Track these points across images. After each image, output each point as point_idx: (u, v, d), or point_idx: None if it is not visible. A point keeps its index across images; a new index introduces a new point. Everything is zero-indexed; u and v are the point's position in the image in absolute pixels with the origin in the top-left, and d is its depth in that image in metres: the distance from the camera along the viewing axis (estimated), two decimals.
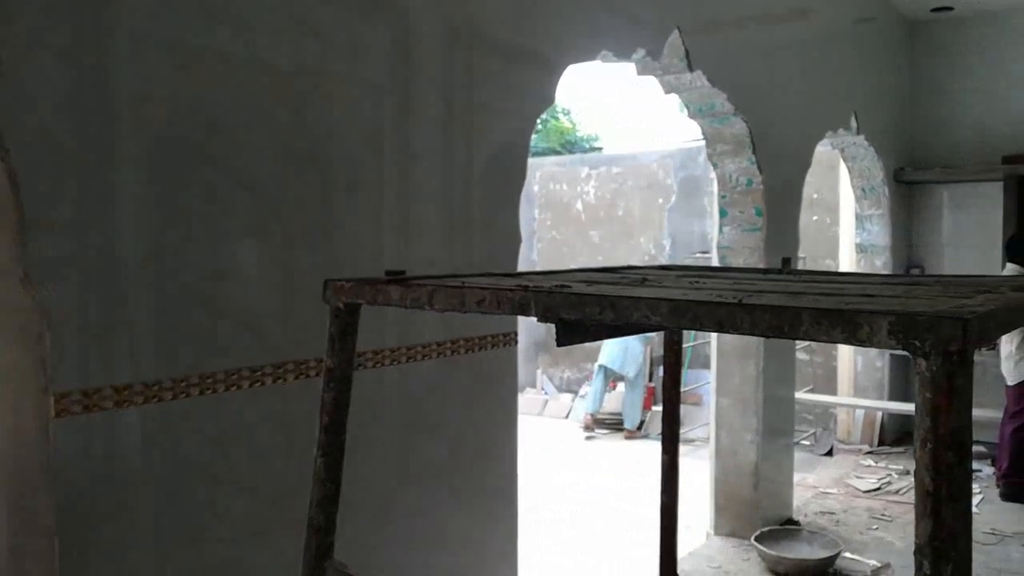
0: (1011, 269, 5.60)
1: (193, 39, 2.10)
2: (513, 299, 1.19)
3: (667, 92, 4.54)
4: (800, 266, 6.48)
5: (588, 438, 7.83)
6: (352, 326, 1.49)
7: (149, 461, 2.03)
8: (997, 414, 5.77)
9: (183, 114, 2.09)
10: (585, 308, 1.11)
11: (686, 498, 5.49)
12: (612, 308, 1.07)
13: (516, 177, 3.23)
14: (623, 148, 14.78)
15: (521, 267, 10.49)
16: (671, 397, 2.26)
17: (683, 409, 7.79)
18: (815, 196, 7.38)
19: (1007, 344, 5.46)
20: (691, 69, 4.19)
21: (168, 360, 2.06)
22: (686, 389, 7.85)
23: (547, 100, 3.38)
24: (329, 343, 1.52)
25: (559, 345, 1.23)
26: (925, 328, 0.83)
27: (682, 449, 7.69)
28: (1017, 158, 6.72)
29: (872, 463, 6.43)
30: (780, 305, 0.94)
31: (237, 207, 2.23)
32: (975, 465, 6.33)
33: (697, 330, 1.07)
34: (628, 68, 4.14)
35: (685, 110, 4.73)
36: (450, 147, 2.91)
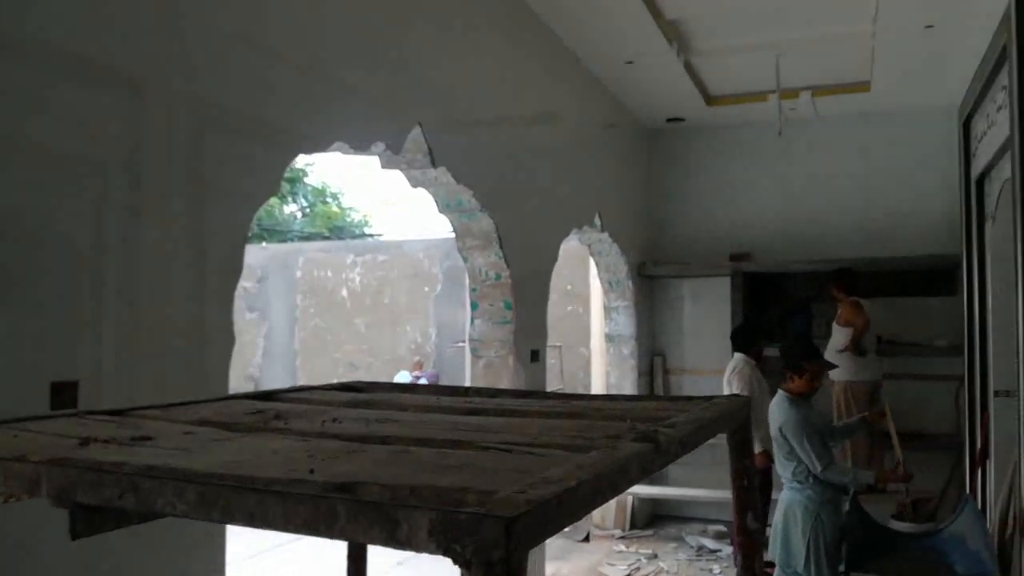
0: (737, 358, 6.05)
1: None
2: (23, 475, 0.95)
3: (414, 186, 4.50)
4: (556, 356, 6.63)
5: None
6: None
7: None
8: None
9: None
10: (104, 490, 0.90)
11: None
12: (134, 492, 0.87)
13: (232, 270, 2.97)
14: (395, 235, 14.79)
15: (282, 356, 9.78)
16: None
17: None
18: (569, 288, 7.69)
19: None
20: (435, 165, 4.18)
21: None
22: None
23: (270, 190, 3.19)
24: None
25: (74, 538, 0.98)
26: (465, 530, 0.71)
27: None
28: (741, 256, 7.42)
29: (624, 548, 6.58)
30: (326, 489, 0.78)
31: None
32: (716, 544, 6.66)
33: (231, 524, 0.87)
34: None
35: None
36: (167, 236, 2.63)
